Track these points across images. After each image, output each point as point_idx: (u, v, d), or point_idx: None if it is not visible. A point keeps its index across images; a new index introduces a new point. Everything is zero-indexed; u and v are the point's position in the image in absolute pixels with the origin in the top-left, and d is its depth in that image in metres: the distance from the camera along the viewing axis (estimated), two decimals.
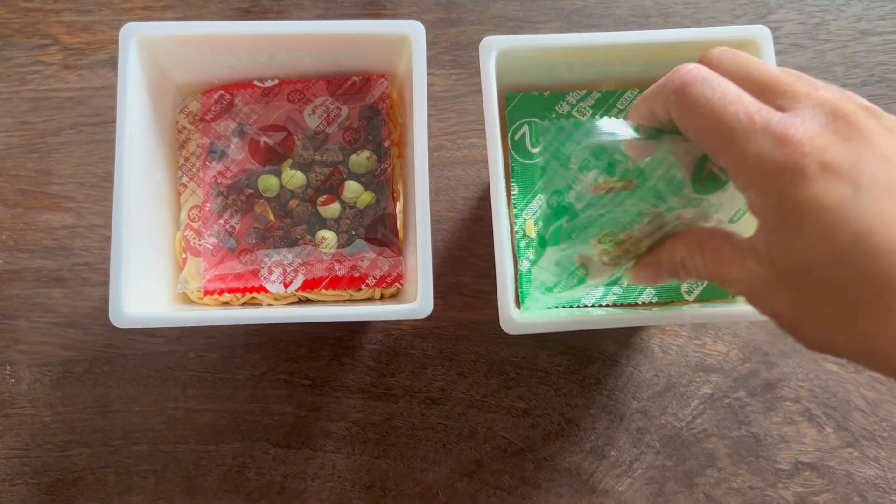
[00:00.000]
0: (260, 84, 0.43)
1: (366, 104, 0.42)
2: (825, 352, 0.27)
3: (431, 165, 0.49)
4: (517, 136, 0.43)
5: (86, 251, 0.49)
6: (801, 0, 0.54)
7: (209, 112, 0.42)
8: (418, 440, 0.48)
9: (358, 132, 0.42)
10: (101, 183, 0.50)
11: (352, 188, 0.41)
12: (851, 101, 0.26)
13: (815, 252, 0.24)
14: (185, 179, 0.42)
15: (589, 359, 0.49)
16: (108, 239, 0.50)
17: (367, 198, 0.41)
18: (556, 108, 0.43)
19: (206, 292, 0.41)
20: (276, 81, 0.43)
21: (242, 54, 0.41)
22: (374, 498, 0.47)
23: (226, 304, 0.41)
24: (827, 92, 0.27)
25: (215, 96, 0.43)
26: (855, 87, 0.53)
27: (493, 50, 0.39)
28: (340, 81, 0.43)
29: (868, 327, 0.24)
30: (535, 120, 0.43)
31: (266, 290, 0.41)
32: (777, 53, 0.53)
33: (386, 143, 0.42)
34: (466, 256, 0.50)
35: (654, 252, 0.33)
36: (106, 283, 0.49)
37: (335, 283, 0.41)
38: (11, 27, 0.52)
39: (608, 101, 0.43)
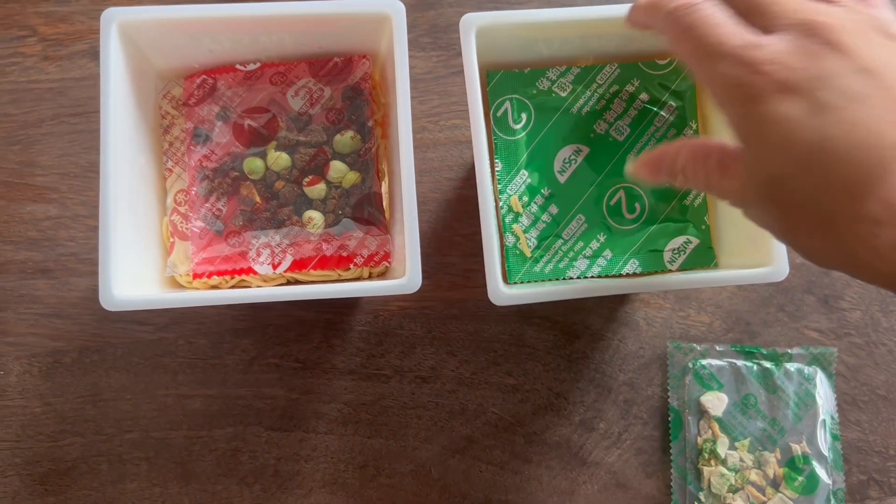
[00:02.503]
0: (242, 67, 0.43)
1: (348, 84, 0.43)
2: (821, 263, 0.28)
3: (415, 147, 0.49)
4: (499, 113, 0.43)
5: (71, 241, 0.49)
6: None
7: (192, 97, 0.43)
8: (410, 419, 0.49)
9: (341, 112, 0.42)
10: (85, 173, 0.50)
11: (337, 168, 0.42)
12: (841, 16, 0.27)
13: (780, 163, 0.26)
14: (170, 164, 0.43)
15: (575, 333, 0.50)
16: (93, 229, 0.50)
17: (352, 177, 0.42)
18: (537, 84, 0.43)
19: (195, 275, 0.41)
20: (259, 64, 0.43)
21: (223, 37, 0.41)
22: (368, 477, 0.48)
23: (214, 287, 0.42)
24: (818, 13, 0.27)
25: (198, 81, 0.43)
26: None
27: (473, 26, 0.39)
28: (322, 63, 0.43)
29: (842, 235, 0.25)
30: (517, 97, 0.43)
31: (255, 272, 0.41)
32: None
33: (369, 123, 0.42)
34: (452, 236, 0.51)
35: (659, 149, 0.33)
36: (92, 273, 0.49)
37: (323, 263, 0.41)
38: None
39: (587, 77, 0.44)
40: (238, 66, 0.43)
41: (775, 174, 0.26)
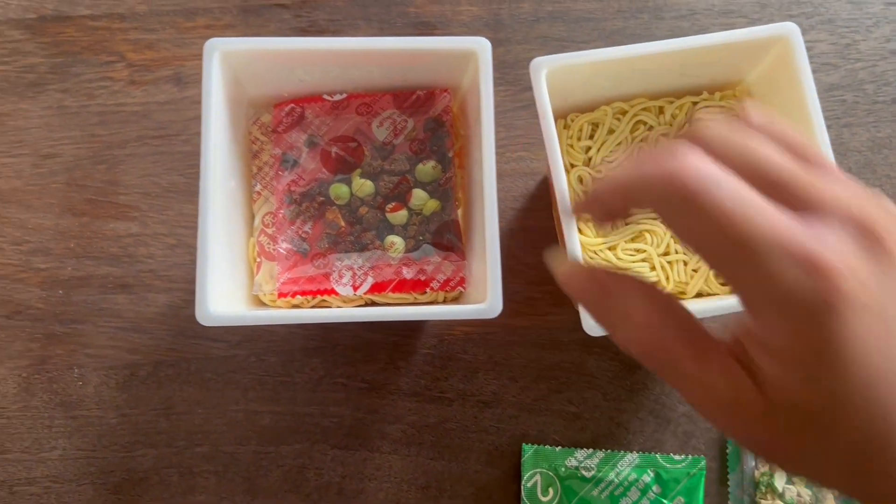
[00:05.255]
0: (329, 98, 0.45)
1: (430, 117, 0.45)
2: (807, 478, 0.25)
3: None
4: (529, 484, 0.48)
5: (150, 258, 0.51)
6: (831, 22, 0.57)
7: (281, 124, 0.45)
8: (472, 442, 0.50)
9: (423, 143, 0.44)
10: (165, 193, 0.52)
11: (418, 196, 0.43)
12: (882, 209, 0.23)
13: (842, 394, 0.22)
14: (258, 188, 0.44)
15: (636, 364, 0.51)
16: (171, 247, 0.51)
17: (432, 205, 0.43)
18: (566, 462, 0.48)
19: (280, 294, 0.42)
20: (345, 95, 0.45)
21: (315, 69, 0.43)
22: (430, 498, 0.49)
23: (296, 306, 0.43)
24: (855, 196, 0.23)
25: (286, 109, 0.45)
26: (885, 105, 0.55)
27: (543, 68, 0.42)
28: (406, 95, 0.45)
29: (876, 469, 0.23)
30: (547, 471, 0.48)
31: (336, 293, 0.42)
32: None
33: (450, 154, 0.44)
34: (515, 265, 0.52)
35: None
36: (169, 290, 0.51)
37: (401, 286, 0.43)
38: (80, 45, 0.54)
39: (611, 461, 0.49)
40: (325, 97, 0.45)
41: (826, 404, 0.22)
